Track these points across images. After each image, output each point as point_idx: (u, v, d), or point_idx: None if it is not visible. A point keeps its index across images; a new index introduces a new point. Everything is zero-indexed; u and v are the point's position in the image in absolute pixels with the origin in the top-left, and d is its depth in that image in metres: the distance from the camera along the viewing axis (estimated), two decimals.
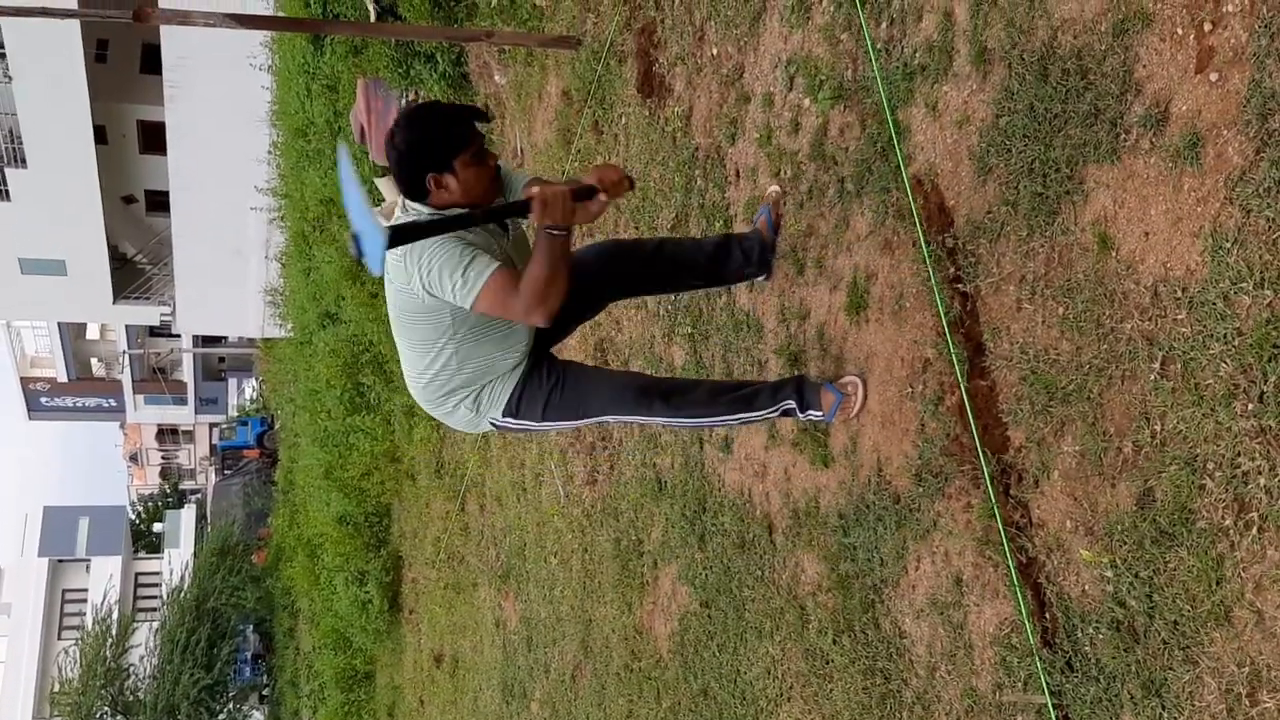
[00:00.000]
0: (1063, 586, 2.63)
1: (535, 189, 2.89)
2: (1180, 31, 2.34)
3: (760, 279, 3.96)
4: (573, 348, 6.33)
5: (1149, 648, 2.36)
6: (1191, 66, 2.32)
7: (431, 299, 3.00)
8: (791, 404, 3.48)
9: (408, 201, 3.02)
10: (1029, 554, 2.74)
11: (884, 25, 3.41)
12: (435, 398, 3.34)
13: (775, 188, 4.05)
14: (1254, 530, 2.13)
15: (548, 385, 3.32)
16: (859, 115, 3.51)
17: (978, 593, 2.92)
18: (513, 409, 3.32)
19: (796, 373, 3.77)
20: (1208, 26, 2.28)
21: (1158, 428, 2.36)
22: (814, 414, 3.50)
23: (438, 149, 2.90)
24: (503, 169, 3.19)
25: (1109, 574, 2.47)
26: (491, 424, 3.38)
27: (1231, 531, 2.18)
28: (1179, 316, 2.31)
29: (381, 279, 3.18)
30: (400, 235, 2.76)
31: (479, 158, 2.96)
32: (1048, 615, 2.67)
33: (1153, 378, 2.37)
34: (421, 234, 2.84)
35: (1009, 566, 2.75)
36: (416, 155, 2.90)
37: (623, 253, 3.79)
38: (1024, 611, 2.69)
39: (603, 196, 3.04)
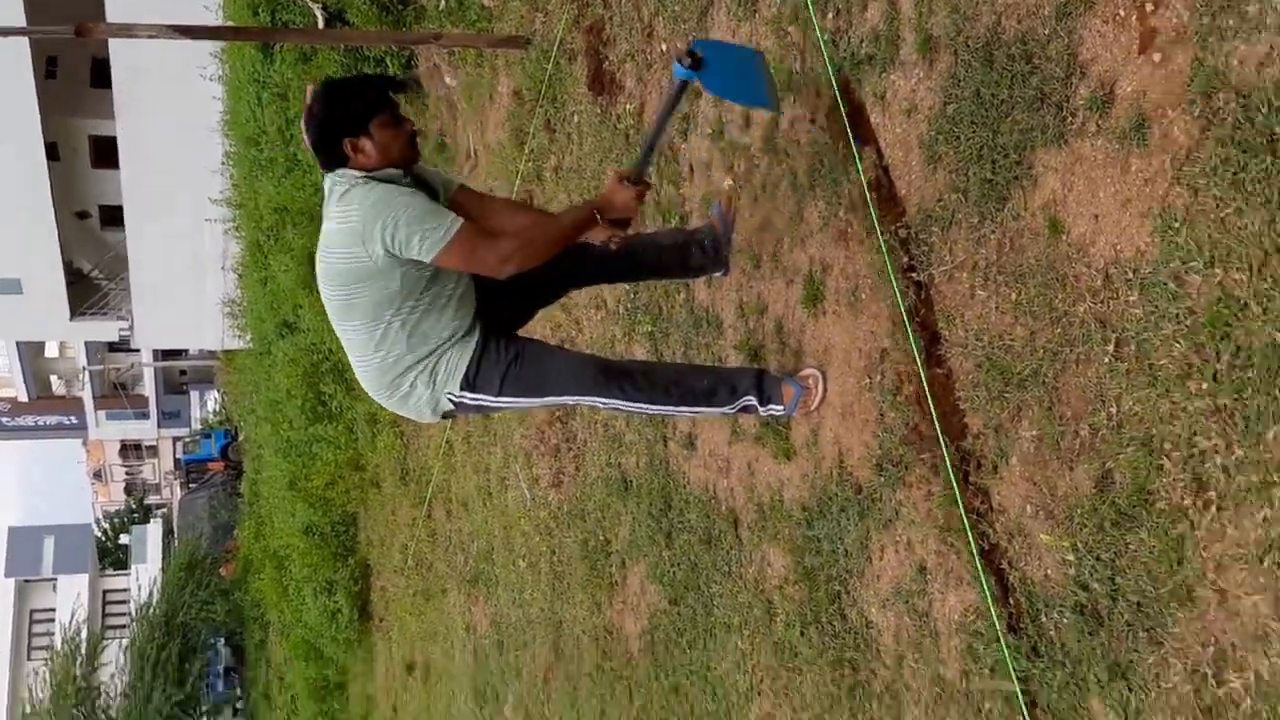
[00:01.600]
0: (1025, 572, 2.63)
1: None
2: (1122, 13, 2.34)
3: (718, 275, 3.94)
4: None
5: (1113, 630, 2.36)
6: (1135, 48, 2.32)
7: (385, 260, 2.96)
8: (751, 400, 3.47)
9: (330, 174, 3.07)
10: (991, 540, 2.73)
11: (830, 16, 3.40)
12: (389, 381, 3.28)
13: (728, 182, 4.03)
14: (1213, 509, 2.13)
15: (506, 358, 3.28)
16: (809, 107, 3.50)
17: (942, 580, 2.91)
18: (469, 381, 3.26)
19: (756, 366, 3.75)
20: (1149, 7, 2.28)
21: (1114, 410, 2.36)
22: (774, 408, 3.49)
23: (353, 114, 3.00)
24: (430, 169, 3.31)
25: (1070, 558, 2.47)
26: (449, 400, 3.31)
27: (1191, 511, 2.17)
28: (1131, 298, 2.31)
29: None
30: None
31: (394, 120, 3.06)
32: (1012, 601, 2.67)
33: (1107, 360, 2.37)
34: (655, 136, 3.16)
35: (972, 553, 2.74)
36: (333, 122, 3.00)
37: (584, 245, 3.78)
38: (988, 598, 2.68)
39: (623, 234, 3.32)
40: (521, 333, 3.54)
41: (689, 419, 4.04)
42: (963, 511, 2.77)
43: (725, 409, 3.47)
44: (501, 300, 3.37)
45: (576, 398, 3.42)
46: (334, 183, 3.06)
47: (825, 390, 3.45)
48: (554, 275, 3.50)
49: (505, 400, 3.34)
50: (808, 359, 3.55)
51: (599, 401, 3.40)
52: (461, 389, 3.27)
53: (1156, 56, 2.26)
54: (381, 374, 3.27)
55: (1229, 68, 2.08)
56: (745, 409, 3.49)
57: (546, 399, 3.44)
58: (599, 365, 3.47)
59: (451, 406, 3.34)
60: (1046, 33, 2.53)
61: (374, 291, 3.06)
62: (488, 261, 3.03)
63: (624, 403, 3.38)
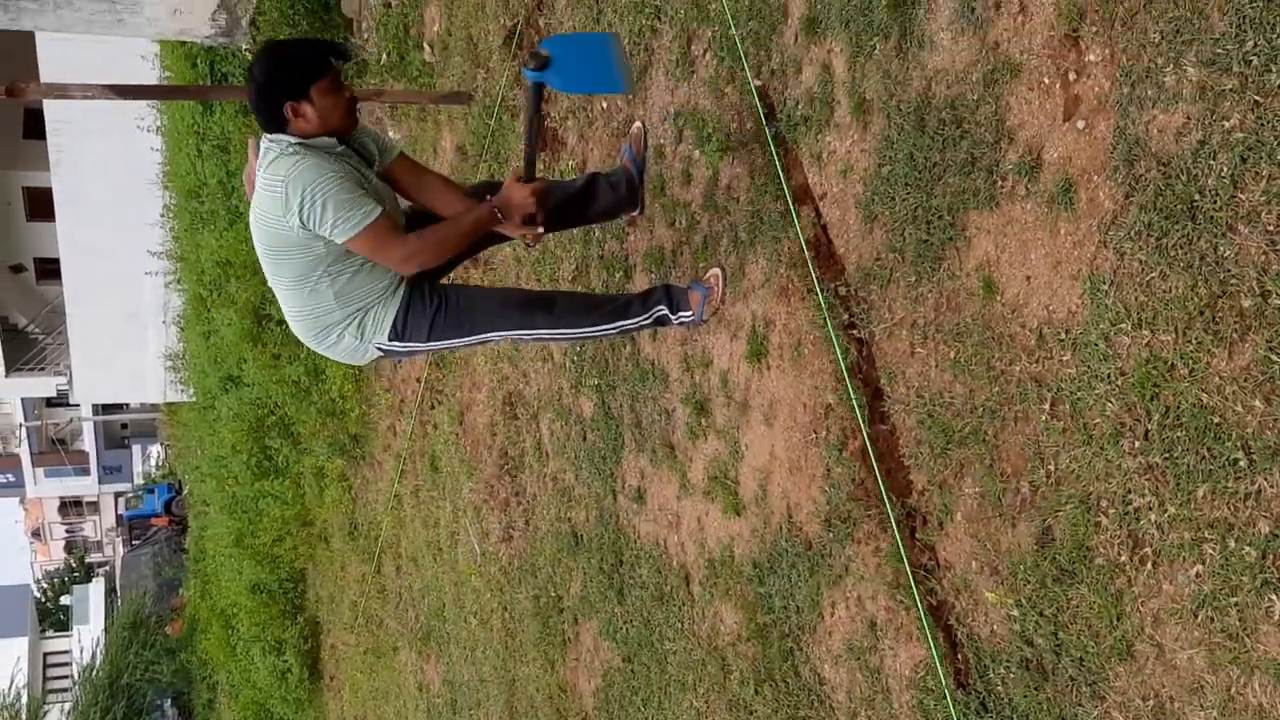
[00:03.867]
0: (972, 627, 2.66)
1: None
2: (1047, 81, 2.41)
3: (634, 213, 4.08)
4: (482, 402, 6.28)
5: (1058, 685, 2.39)
6: (1060, 114, 2.38)
7: (305, 232, 3.04)
8: (663, 309, 3.63)
9: (267, 136, 3.09)
10: (938, 596, 2.76)
11: (765, 77, 3.46)
12: (317, 331, 3.38)
13: (638, 124, 4.16)
14: (1149, 565, 2.17)
15: (432, 306, 3.38)
16: (747, 166, 3.55)
17: (892, 636, 2.94)
18: (398, 331, 3.37)
19: (664, 282, 3.89)
20: (1072, 76, 2.35)
21: (1051, 467, 2.41)
22: (684, 315, 3.67)
23: (294, 77, 3.01)
24: (369, 133, 3.37)
25: (1015, 613, 2.50)
26: (378, 349, 3.42)
27: (1128, 567, 2.22)
28: (1064, 358, 2.37)
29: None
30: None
31: (335, 86, 3.08)
32: (960, 656, 2.70)
33: (1044, 418, 2.42)
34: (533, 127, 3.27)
35: (919, 610, 2.77)
36: (274, 85, 3.01)
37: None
38: (936, 654, 2.70)
39: (540, 230, 3.45)
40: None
41: (614, 337, 4.15)
42: (909, 568, 2.79)
43: (641, 319, 3.62)
44: None
45: (504, 332, 3.54)
46: (267, 147, 3.10)
47: (725, 285, 3.65)
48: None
49: (435, 344, 3.47)
50: (753, 412, 3.58)
51: (525, 333, 3.55)
52: (390, 339, 3.38)
53: (1080, 124, 2.33)
54: (310, 325, 3.37)
55: (1149, 136, 2.15)
56: (659, 320, 3.66)
57: (475, 336, 3.52)
58: (521, 297, 3.66)
59: (379, 354, 3.47)
60: (975, 99, 2.60)
61: (301, 254, 3.15)
62: (393, 257, 3.15)
63: (548, 330, 3.53)
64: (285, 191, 2.99)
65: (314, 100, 3.02)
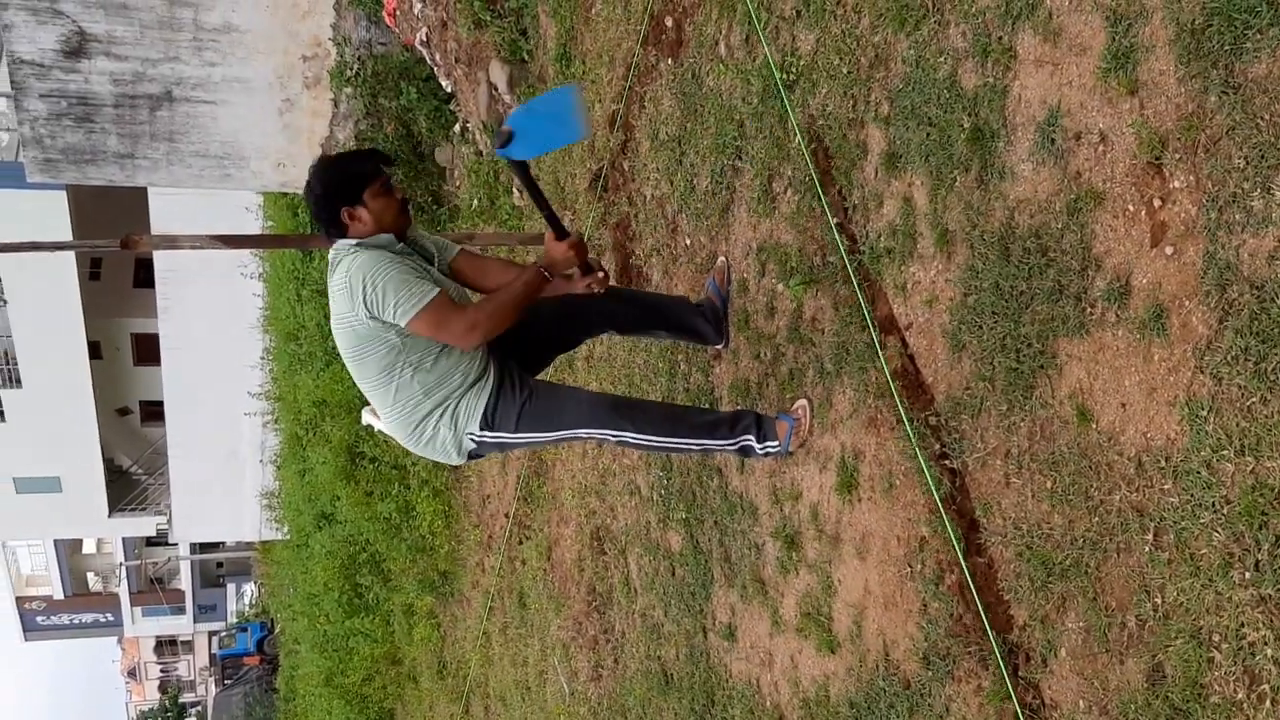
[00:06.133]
0: None
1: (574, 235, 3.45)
2: (1132, 208, 2.41)
3: (719, 346, 4.23)
4: (569, 537, 6.28)
5: None
6: (1147, 241, 2.38)
7: (373, 322, 3.22)
8: (750, 440, 3.68)
9: (333, 247, 3.33)
10: None
11: (847, 211, 3.51)
12: (413, 427, 3.49)
13: (722, 259, 4.27)
14: (1267, 703, 2.07)
15: (521, 396, 3.49)
16: (831, 298, 3.58)
17: None
18: (488, 420, 3.46)
19: (754, 410, 3.90)
20: (1158, 203, 2.35)
21: (1159, 600, 2.32)
22: (770, 445, 3.69)
23: (348, 186, 3.28)
24: (429, 236, 3.62)
25: None
26: (471, 440, 3.50)
27: (1245, 705, 2.11)
28: (1166, 486, 2.30)
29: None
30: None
31: (386, 189, 3.33)
32: None
33: (1147, 549, 2.35)
34: (538, 197, 3.48)
35: None
36: (330, 194, 3.28)
37: (588, 299, 4.03)
38: None
39: (600, 275, 3.58)
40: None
41: (695, 454, 4.22)
42: (1017, 707, 2.69)
43: (726, 443, 3.69)
44: (519, 349, 3.62)
45: (589, 430, 3.59)
46: (332, 255, 3.34)
47: (813, 417, 3.66)
48: (564, 327, 3.82)
49: (522, 435, 3.54)
50: (845, 546, 3.52)
51: (609, 434, 3.58)
52: (481, 428, 3.48)
53: (1169, 249, 2.32)
54: (405, 422, 3.48)
55: (1240, 260, 2.13)
56: (744, 449, 3.71)
57: (561, 433, 3.59)
58: (609, 400, 3.74)
59: (474, 446, 3.54)
60: (1059, 227, 2.61)
61: (377, 347, 3.31)
62: (455, 331, 3.26)
63: (633, 435, 3.57)
64: (349, 284, 3.20)
65: (368, 204, 3.27)
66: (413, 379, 3.38)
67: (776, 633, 3.95)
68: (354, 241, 3.28)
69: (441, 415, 3.46)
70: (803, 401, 3.74)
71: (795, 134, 3.73)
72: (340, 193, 3.27)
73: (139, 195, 17.01)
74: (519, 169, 3.39)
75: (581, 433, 3.61)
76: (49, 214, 17.83)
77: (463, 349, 3.34)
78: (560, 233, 3.46)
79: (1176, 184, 2.31)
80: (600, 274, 3.60)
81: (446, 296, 3.27)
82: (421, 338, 3.30)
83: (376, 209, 3.28)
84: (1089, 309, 2.52)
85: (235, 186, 10.24)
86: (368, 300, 3.18)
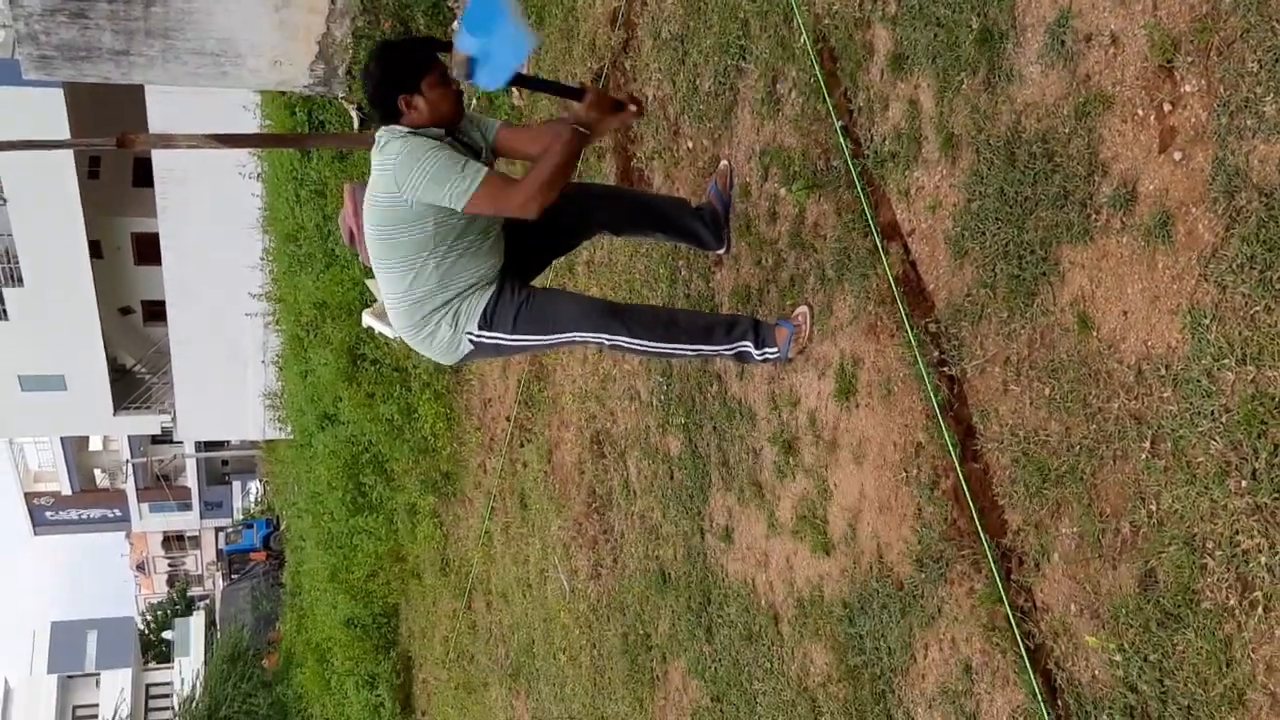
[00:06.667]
0: (1073, 672, 2.58)
1: (588, 82, 3.38)
2: (1141, 113, 2.37)
3: (720, 252, 4.22)
4: (570, 440, 6.32)
5: None
6: (1155, 146, 2.34)
7: (420, 206, 3.26)
8: (747, 345, 3.69)
9: (383, 128, 3.34)
10: (1036, 639, 2.69)
11: (851, 114, 3.45)
12: (417, 320, 3.55)
13: (724, 162, 4.23)
14: (1259, 610, 2.09)
15: (518, 299, 3.55)
16: (834, 203, 3.54)
17: (988, 680, 2.87)
18: (486, 320, 3.52)
19: (752, 316, 3.91)
20: (1167, 107, 2.30)
21: (1154, 507, 2.33)
22: (770, 351, 3.71)
23: (407, 73, 3.28)
24: (474, 115, 3.61)
25: (1118, 658, 2.42)
26: (469, 340, 3.57)
27: (1237, 611, 2.14)
28: (1165, 394, 2.30)
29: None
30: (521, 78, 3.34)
31: (443, 81, 3.33)
32: (1060, 702, 2.62)
33: (1144, 457, 2.35)
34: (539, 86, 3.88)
35: (1018, 653, 2.70)
36: (388, 80, 3.29)
37: (597, 191, 4.07)
38: (1038, 699, 2.63)
39: (632, 108, 3.46)
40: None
41: (692, 359, 4.20)
42: (1008, 610, 2.73)
43: (722, 348, 3.71)
44: (516, 253, 3.64)
45: (584, 334, 3.62)
46: (381, 135, 3.34)
47: (814, 324, 3.67)
48: (560, 230, 3.82)
49: (519, 337, 3.59)
50: (842, 453, 3.55)
51: (604, 338, 3.61)
52: (480, 328, 3.54)
53: (1177, 155, 2.28)
54: (411, 313, 3.54)
55: (1250, 167, 2.10)
56: (741, 354, 3.73)
57: (556, 335, 3.63)
58: (604, 304, 3.73)
59: (471, 347, 3.60)
60: (1066, 131, 2.56)
61: (410, 232, 3.35)
62: (514, 202, 3.26)
63: (627, 339, 3.60)
64: (396, 169, 3.21)
65: (425, 93, 3.27)
66: (434, 270, 3.42)
67: (772, 535, 4.00)
68: (407, 128, 3.29)
69: (446, 312, 3.51)
70: (803, 308, 3.72)
71: (800, 33, 3.65)
72: (398, 80, 3.28)
73: (136, 93, 16.75)
74: (512, 80, 3.31)
75: (576, 336, 3.63)
76: (47, 111, 17.59)
77: (527, 218, 3.31)
78: (577, 95, 3.44)
79: (1187, 88, 2.26)
80: (633, 107, 3.52)
81: (498, 174, 3.30)
82: (453, 233, 3.35)
83: (434, 99, 3.30)
84: (1094, 215, 2.49)
85: (232, 84, 10.06)
86: (417, 185, 3.20)
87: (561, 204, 3.63)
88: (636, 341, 3.61)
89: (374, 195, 3.35)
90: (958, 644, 2.98)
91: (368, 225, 3.44)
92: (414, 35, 7.23)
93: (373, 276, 8.60)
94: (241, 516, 36.07)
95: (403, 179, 3.21)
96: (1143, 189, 2.37)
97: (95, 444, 39.84)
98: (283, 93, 11.63)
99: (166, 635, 38.61)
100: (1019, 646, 2.70)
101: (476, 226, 3.41)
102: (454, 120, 3.40)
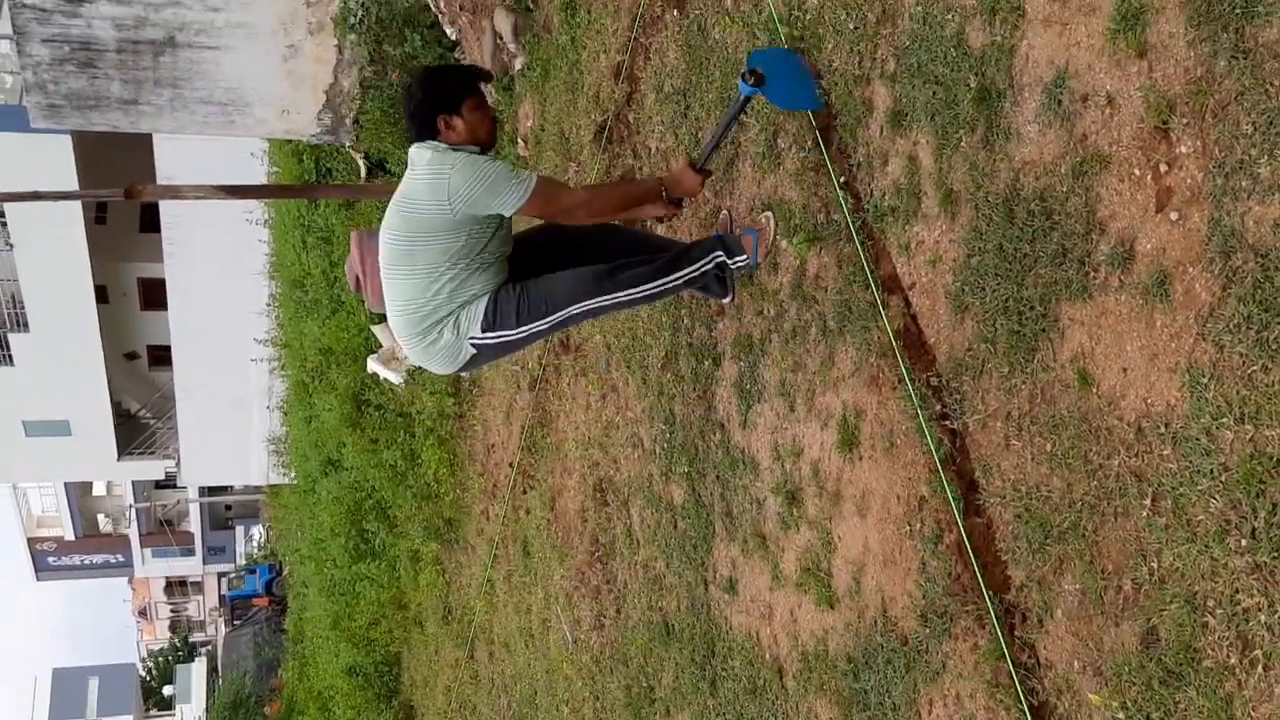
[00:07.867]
0: None
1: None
2: (1138, 172, 2.40)
3: (724, 301, 4.27)
4: (573, 487, 6.31)
5: None
6: (1152, 206, 2.36)
7: (463, 216, 3.38)
8: (720, 255, 3.87)
9: (418, 145, 3.50)
10: (1039, 696, 2.68)
11: (851, 169, 3.48)
12: (422, 329, 3.65)
13: (725, 213, 4.34)
14: (1259, 668, 2.09)
15: (515, 295, 3.66)
16: (834, 256, 3.56)
17: None
18: (489, 321, 3.63)
19: (714, 233, 4.13)
20: (1164, 167, 2.33)
21: (1155, 565, 2.34)
22: (740, 260, 3.90)
23: (450, 94, 3.49)
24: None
25: (1120, 716, 2.41)
26: (471, 345, 3.68)
27: (1238, 670, 2.13)
28: (1165, 452, 2.31)
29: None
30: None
31: (482, 104, 3.55)
32: None
33: (1145, 514, 2.36)
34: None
35: (1022, 710, 2.69)
36: (431, 99, 3.48)
37: (609, 228, 4.12)
38: None
39: (675, 211, 3.80)
40: None
41: (680, 286, 4.08)
42: (1011, 667, 2.72)
43: (701, 263, 3.86)
44: (531, 265, 3.78)
45: (583, 304, 3.72)
46: (421, 148, 3.48)
47: (776, 225, 3.85)
48: (560, 261, 3.86)
49: (524, 329, 3.69)
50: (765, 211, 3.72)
51: (604, 301, 3.73)
52: (484, 330, 3.65)
53: (1174, 215, 2.30)
54: (417, 321, 3.65)
55: (1245, 227, 2.12)
56: (719, 265, 3.89)
57: (558, 315, 3.72)
58: (589, 271, 3.79)
59: (474, 351, 3.71)
60: (1064, 190, 2.59)
61: (442, 242, 3.46)
62: (568, 204, 3.55)
63: (626, 293, 3.73)
64: (449, 178, 3.34)
65: (464, 115, 3.47)
66: (450, 280, 3.53)
67: (777, 587, 3.99)
68: (445, 145, 3.44)
69: (449, 320, 3.62)
70: (767, 213, 3.88)
71: None
72: (442, 100, 3.45)
73: (144, 139, 16.91)
74: (742, 106, 3.46)
75: (575, 309, 3.72)
76: (54, 157, 17.74)
77: (569, 222, 3.54)
78: (702, 166, 3.62)
79: (1183, 149, 2.28)
80: (678, 210, 3.76)
81: (550, 177, 3.45)
82: (478, 246, 3.48)
83: (472, 121, 3.48)
84: (1092, 273, 2.51)
85: (240, 133, 10.17)
86: (474, 192, 3.33)
87: (574, 230, 3.79)
88: (634, 292, 3.74)
89: (409, 202, 3.45)
90: (962, 700, 2.97)
91: (392, 231, 3.53)
92: (458, 64, 7.51)
93: (379, 322, 8.63)
94: (244, 562, 35.92)
95: (458, 185, 3.33)
96: (1140, 248, 2.39)
97: (99, 489, 39.77)
98: (290, 141, 11.76)
99: (168, 689, 38.31)
100: (1022, 703, 2.69)
101: (497, 241, 3.55)
102: (488, 144, 3.57)
